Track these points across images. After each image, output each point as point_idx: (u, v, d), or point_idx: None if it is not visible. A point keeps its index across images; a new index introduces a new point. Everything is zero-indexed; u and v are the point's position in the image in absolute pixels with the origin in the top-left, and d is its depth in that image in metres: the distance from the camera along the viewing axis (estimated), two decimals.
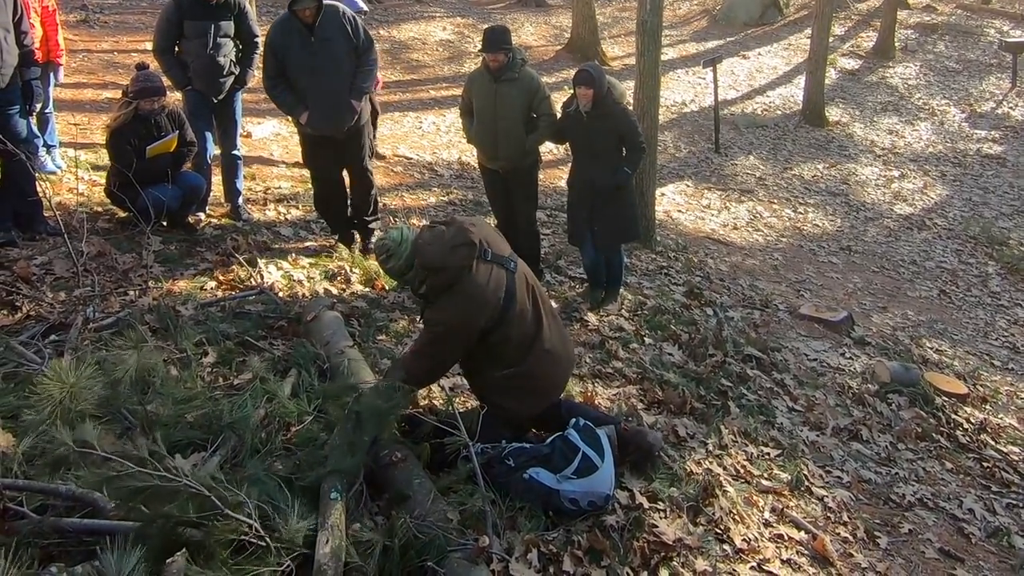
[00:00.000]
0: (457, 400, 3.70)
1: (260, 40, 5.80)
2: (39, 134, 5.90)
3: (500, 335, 3.17)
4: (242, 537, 2.35)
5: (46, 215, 4.95)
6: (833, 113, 13.61)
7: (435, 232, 3.19)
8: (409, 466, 2.99)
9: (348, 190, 5.61)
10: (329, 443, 2.96)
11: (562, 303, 5.44)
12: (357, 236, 5.74)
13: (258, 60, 5.82)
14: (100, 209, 5.45)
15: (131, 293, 4.30)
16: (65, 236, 4.29)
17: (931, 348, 6.44)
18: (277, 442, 3.03)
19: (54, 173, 6.02)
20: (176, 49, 5.41)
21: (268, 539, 2.38)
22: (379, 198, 5.81)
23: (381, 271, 3.42)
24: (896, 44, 16.56)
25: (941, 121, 13.76)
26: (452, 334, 3.13)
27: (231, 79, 5.54)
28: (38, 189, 4.86)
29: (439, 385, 3.72)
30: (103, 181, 5.33)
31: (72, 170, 5.95)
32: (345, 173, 5.52)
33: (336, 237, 5.68)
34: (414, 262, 3.13)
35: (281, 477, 2.75)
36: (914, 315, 7.18)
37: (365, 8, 7.58)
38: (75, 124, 7.29)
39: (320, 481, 2.75)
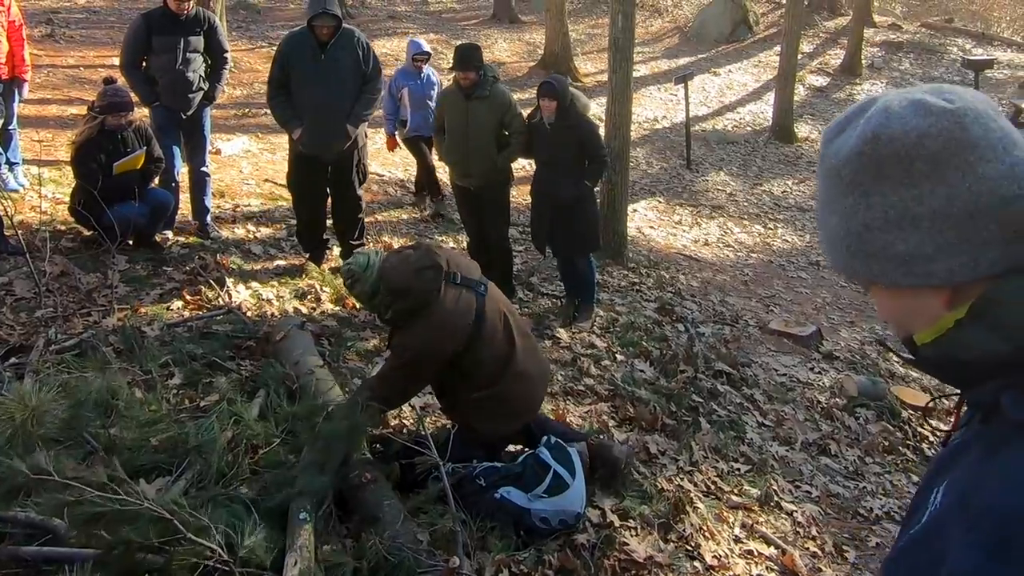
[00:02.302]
0: (428, 419, 3.68)
1: (230, 56, 5.79)
2: (2, 151, 5.80)
3: (471, 359, 3.15)
4: (206, 562, 2.31)
5: (7, 234, 4.85)
6: (802, 129, 13.83)
7: (401, 256, 3.19)
8: (379, 487, 2.96)
9: (331, 212, 5.59)
10: (298, 464, 2.93)
11: (534, 320, 5.44)
12: (329, 255, 5.71)
13: (227, 76, 5.80)
14: (64, 228, 5.35)
15: (95, 314, 4.22)
16: (27, 255, 4.23)
17: (898, 362, 6.53)
18: (244, 465, 2.98)
19: (16, 191, 5.90)
20: (144, 64, 5.37)
21: (232, 563, 2.34)
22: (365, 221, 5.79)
23: (356, 299, 3.43)
24: (863, 62, 16.91)
25: None
26: (419, 360, 3.12)
27: (200, 95, 5.50)
28: None
29: (409, 404, 3.69)
30: (67, 199, 5.25)
31: (35, 188, 5.85)
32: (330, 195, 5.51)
33: (307, 256, 5.64)
34: (380, 287, 3.12)
35: (248, 499, 2.71)
36: (881, 329, 7.28)
37: (428, 50, 7.32)
38: (39, 141, 7.17)
39: (288, 502, 2.72)
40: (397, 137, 7.45)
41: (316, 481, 2.79)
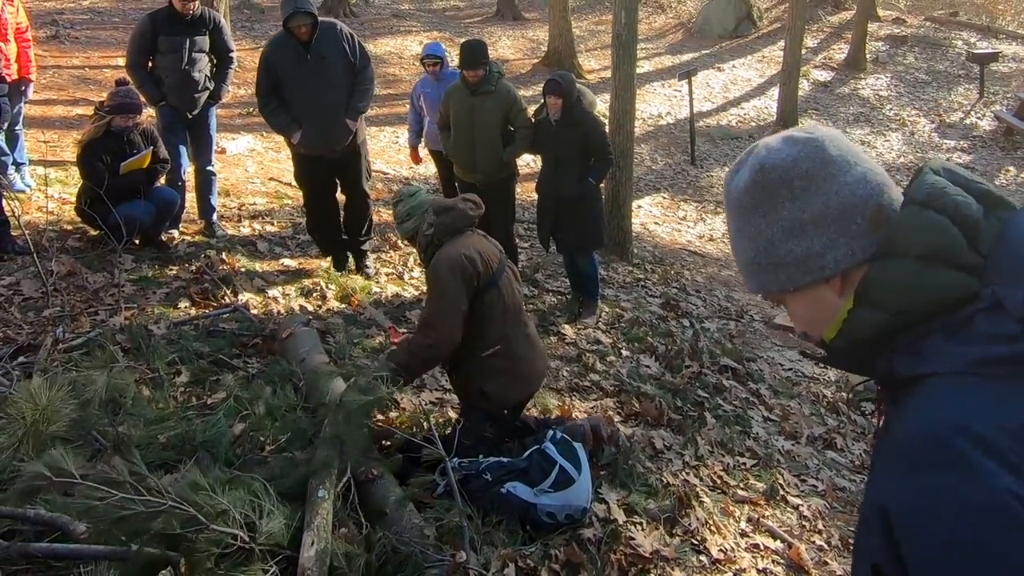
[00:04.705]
0: (433, 415, 3.70)
1: (235, 55, 5.80)
2: (8, 152, 5.83)
3: (492, 296, 3.31)
4: (229, 541, 2.31)
5: (14, 234, 4.87)
6: (806, 124, 13.78)
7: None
8: (385, 482, 2.97)
9: (341, 210, 5.59)
10: (318, 439, 2.92)
11: (539, 316, 5.45)
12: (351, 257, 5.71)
13: (232, 75, 5.81)
14: (70, 228, 5.38)
15: (102, 313, 4.24)
16: (34, 255, 4.25)
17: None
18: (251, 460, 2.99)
19: (23, 192, 5.94)
20: (149, 64, 5.38)
21: (252, 543, 2.34)
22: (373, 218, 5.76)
23: (394, 222, 3.61)
24: (867, 56, 16.83)
25: (911, 132, 14.00)
26: (457, 274, 3.22)
27: (205, 94, 5.52)
28: (6, 208, 4.79)
29: (416, 395, 3.71)
30: (73, 199, 5.28)
31: (41, 188, 5.88)
32: (339, 193, 5.51)
33: (328, 259, 5.63)
34: (427, 207, 3.40)
35: (267, 478, 2.70)
36: None
37: (439, 54, 6.48)
38: (45, 142, 7.19)
39: (308, 477, 2.71)
40: (420, 149, 6.95)
41: (336, 456, 2.79)
